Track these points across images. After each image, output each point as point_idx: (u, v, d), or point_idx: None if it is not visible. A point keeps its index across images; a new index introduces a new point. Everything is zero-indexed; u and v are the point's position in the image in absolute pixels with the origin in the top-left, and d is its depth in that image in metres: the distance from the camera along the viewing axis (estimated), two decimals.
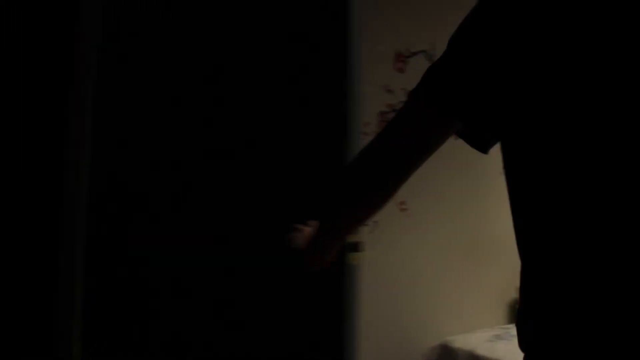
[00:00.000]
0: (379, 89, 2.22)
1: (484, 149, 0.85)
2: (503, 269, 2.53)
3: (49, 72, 1.45)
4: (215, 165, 1.65)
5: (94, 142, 1.48)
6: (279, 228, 1.27)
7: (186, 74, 1.62)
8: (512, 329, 2.21)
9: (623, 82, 0.60)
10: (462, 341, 2.14)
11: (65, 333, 1.42)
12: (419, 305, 2.26)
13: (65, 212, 1.44)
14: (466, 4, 2.70)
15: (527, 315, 0.71)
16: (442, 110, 0.73)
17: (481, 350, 2.03)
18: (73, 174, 1.45)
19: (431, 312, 2.30)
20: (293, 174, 1.72)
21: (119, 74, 1.54)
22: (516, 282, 2.58)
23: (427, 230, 2.30)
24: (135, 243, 1.53)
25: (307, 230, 1.01)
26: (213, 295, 1.63)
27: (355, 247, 1.77)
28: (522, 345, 0.72)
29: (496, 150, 2.64)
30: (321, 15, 1.84)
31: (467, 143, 0.84)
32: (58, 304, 1.43)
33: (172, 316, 1.58)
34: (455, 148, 2.43)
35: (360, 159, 0.88)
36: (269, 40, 1.73)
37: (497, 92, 0.68)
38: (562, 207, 0.64)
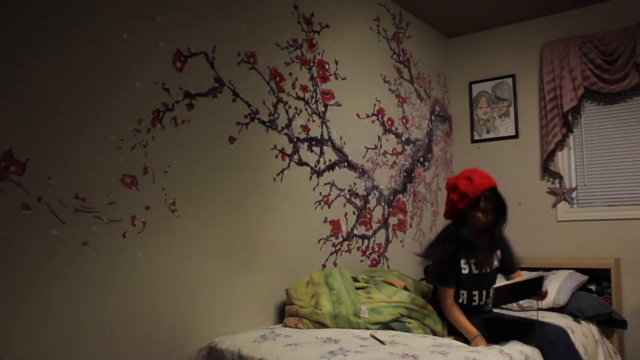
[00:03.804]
0: (156, 86, 2.14)
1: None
2: (273, 273, 2.64)
3: None
4: None
5: None
6: None
7: None
8: (278, 329, 2.32)
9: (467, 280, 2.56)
10: (229, 342, 2.15)
11: None
12: (187, 306, 2.22)
13: None
14: (246, 10, 2.89)
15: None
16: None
17: (246, 350, 2.07)
18: None
19: (200, 313, 2.27)
20: None
21: None
22: (285, 285, 2.80)
23: (198, 232, 2.28)
24: None
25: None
26: None
27: None
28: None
29: (270, 160, 2.81)
30: None
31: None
32: None
33: None
34: (229, 153, 2.51)
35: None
36: None
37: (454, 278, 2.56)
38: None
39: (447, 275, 2.52)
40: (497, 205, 2.49)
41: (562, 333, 2.39)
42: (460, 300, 2.55)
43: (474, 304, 2.56)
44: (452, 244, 2.53)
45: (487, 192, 2.46)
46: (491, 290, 2.41)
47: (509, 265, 2.64)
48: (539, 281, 2.35)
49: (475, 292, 2.56)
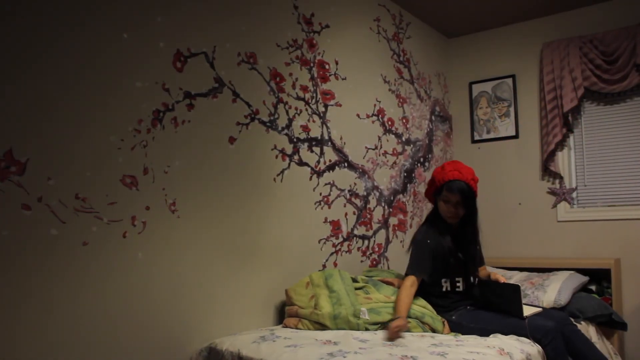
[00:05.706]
0: (156, 86, 2.14)
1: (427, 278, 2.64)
2: (273, 273, 2.64)
3: None
4: None
5: None
6: None
7: None
8: (277, 330, 2.32)
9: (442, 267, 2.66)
10: (229, 343, 2.15)
11: None
12: (187, 306, 2.22)
13: None
14: (246, 10, 2.89)
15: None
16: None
17: (246, 351, 2.07)
18: None
19: (200, 314, 2.27)
20: None
21: None
22: (285, 285, 2.79)
23: (198, 232, 2.28)
24: None
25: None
26: None
27: None
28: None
29: (270, 160, 2.80)
30: None
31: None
32: None
33: None
34: (229, 153, 2.51)
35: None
36: None
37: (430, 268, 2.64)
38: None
39: (420, 264, 2.60)
40: (463, 199, 2.54)
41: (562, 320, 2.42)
42: (443, 290, 2.67)
43: (457, 289, 2.69)
44: (428, 226, 2.73)
45: (451, 183, 2.54)
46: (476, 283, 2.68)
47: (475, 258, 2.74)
48: (517, 290, 2.43)
49: (459, 279, 2.69)
